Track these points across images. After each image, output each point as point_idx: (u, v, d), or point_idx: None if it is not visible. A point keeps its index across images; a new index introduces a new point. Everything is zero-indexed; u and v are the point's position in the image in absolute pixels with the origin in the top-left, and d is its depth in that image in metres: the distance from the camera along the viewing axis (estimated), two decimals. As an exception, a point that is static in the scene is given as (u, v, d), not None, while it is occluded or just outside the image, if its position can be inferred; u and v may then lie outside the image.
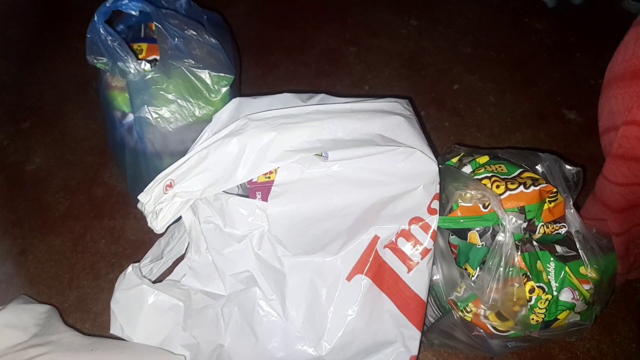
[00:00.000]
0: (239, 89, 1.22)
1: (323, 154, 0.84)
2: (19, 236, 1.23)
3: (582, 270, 0.86)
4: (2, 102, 1.52)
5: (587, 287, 0.86)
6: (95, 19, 0.90)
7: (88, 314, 1.10)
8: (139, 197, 0.82)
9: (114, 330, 0.93)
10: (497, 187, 0.87)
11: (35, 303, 1.03)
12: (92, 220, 1.25)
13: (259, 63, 1.56)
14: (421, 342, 0.89)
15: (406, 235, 0.87)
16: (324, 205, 0.84)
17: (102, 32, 0.90)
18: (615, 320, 1.06)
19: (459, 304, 0.86)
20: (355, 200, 0.84)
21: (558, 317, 0.85)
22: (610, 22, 1.58)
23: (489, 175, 0.89)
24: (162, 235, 1.05)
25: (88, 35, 0.93)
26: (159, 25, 0.92)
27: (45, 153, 1.39)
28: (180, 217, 0.89)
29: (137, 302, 0.91)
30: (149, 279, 0.96)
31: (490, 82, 1.49)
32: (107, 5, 0.92)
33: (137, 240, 1.20)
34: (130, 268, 0.94)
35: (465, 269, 0.87)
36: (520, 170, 0.91)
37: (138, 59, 1.00)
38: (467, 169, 0.93)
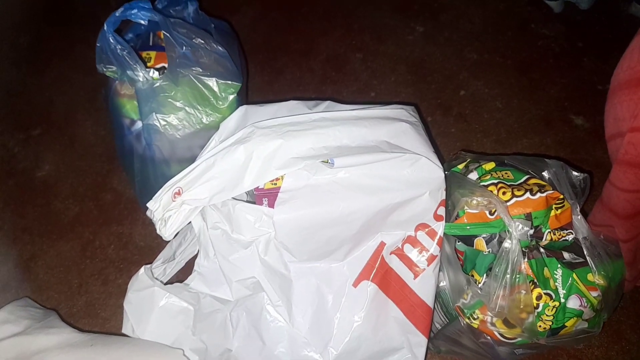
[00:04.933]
0: (246, 96, 1.23)
1: (329, 161, 0.85)
2: (29, 242, 1.25)
3: (589, 277, 0.86)
4: (13, 109, 1.54)
5: (594, 294, 0.86)
6: (105, 28, 0.92)
7: (96, 319, 1.11)
8: (148, 204, 0.83)
9: (125, 330, 0.94)
10: (504, 193, 0.87)
11: (35, 305, 1.05)
12: (100, 226, 1.26)
13: (266, 69, 1.57)
14: (428, 348, 0.89)
15: (412, 241, 0.87)
16: (330, 211, 0.84)
17: (111, 41, 0.92)
18: (623, 327, 1.05)
19: (465, 310, 0.86)
20: (361, 207, 0.84)
21: (565, 324, 0.85)
22: (617, 27, 1.57)
23: (495, 181, 0.89)
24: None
25: (98, 44, 0.94)
26: (168, 34, 0.93)
27: (54, 160, 1.41)
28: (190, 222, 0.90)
29: (149, 303, 0.92)
30: (161, 281, 0.97)
31: (496, 88, 1.49)
32: (117, 14, 0.93)
33: (145, 246, 1.21)
34: (142, 269, 0.95)
35: (472, 276, 0.87)
36: (527, 176, 0.91)
37: (147, 67, 1.01)
38: (473, 176, 0.93)
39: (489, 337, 0.87)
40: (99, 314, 1.11)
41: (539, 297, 0.83)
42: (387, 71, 1.55)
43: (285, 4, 1.76)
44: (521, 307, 0.81)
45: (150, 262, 1.04)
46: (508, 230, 0.83)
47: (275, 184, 0.85)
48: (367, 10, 1.72)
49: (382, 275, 0.86)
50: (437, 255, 0.86)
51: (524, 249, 0.85)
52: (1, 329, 0.88)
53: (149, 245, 1.21)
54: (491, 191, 0.87)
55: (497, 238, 0.87)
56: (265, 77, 1.56)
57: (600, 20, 1.61)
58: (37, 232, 1.27)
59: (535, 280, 0.84)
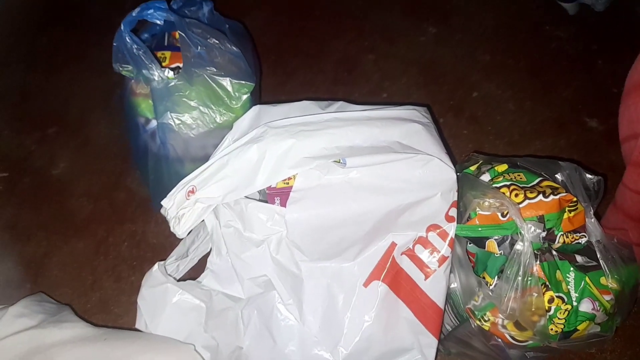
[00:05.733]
0: (259, 96, 1.24)
1: (341, 161, 0.85)
2: (44, 239, 1.27)
3: (602, 280, 0.85)
4: (30, 109, 1.56)
5: (607, 297, 0.85)
6: (122, 28, 0.93)
7: (110, 315, 1.12)
8: (162, 202, 0.85)
9: (139, 325, 0.95)
10: (516, 195, 0.87)
11: (50, 300, 1.06)
12: (114, 224, 1.27)
13: (277, 71, 1.58)
14: (438, 350, 0.89)
15: (423, 242, 0.87)
16: (341, 211, 0.85)
17: (128, 40, 0.93)
18: (638, 332, 1.04)
19: (476, 312, 0.85)
20: (373, 207, 0.85)
21: (578, 327, 0.84)
22: (632, 29, 1.56)
23: (508, 183, 0.89)
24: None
25: (114, 44, 0.96)
26: (183, 34, 0.94)
27: (69, 158, 1.43)
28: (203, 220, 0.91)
29: (162, 300, 0.93)
30: (174, 277, 0.99)
31: (509, 90, 1.48)
32: (133, 14, 0.95)
33: (158, 244, 1.22)
34: (156, 266, 0.96)
35: (483, 277, 0.87)
36: (540, 178, 0.91)
37: (162, 66, 1.03)
38: (486, 177, 0.93)
39: (500, 340, 0.86)
40: (112, 310, 1.13)
41: (550, 300, 0.82)
42: (399, 73, 1.55)
43: (296, 7, 1.76)
44: (533, 310, 0.81)
45: (163, 260, 1.05)
46: (520, 233, 0.82)
47: (287, 183, 0.86)
48: (378, 13, 1.72)
49: (392, 275, 0.86)
50: (448, 257, 0.86)
51: (536, 252, 0.84)
52: (16, 322, 0.89)
53: (162, 243, 1.22)
54: (503, 193, 0.87)
55: (509, 240, 0.86)
56: (276, 79, 1.57)
57: (616, 22, 1.60)
58: (52, 229, 1.29)
59: (547, 283, 0.83)
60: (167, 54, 1.08)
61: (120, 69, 0.98)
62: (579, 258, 0.88)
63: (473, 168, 0.97)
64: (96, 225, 1.28)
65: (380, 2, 1.75)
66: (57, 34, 1.78)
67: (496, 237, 0.87)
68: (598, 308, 0.84)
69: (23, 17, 1.87)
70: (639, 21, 1.58)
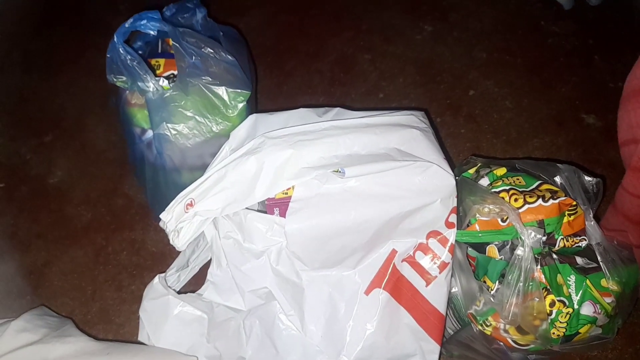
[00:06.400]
0: (255, 103, 1.23)
1: (340, 170, 0.85)
2: (43, 248, 1.26)
3: (603, 282, 0.85)
4: (25, 115, 1.55)
5: (608, 300, 0.85)
6: (115, 39, 0.92)
7: (111, 326, 1.12)
8: (161, 216, 0.84)
9: (141, 338, 0.96)
10: (516, 200, 0.86)
11: (51, 314, 1.06)
12: (113, 232, 1.27)
13: (274, 72, 1.57)
14: (440, 353, 0.89)
15: (424, 249, 0.87)
16: (341, 220, 0.84)
17: (121, 52, 0.92)
18: (638, 330, 1.04)
19: (478, 317, 0.86)
20: (372, 215, 0.84)
21: (579, 330, 0.84)
22: (628, 24, 1.55)
23: (507, 188, 0.89)
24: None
25: (108, 55, 0.95)
26: (177, 45, 0.94)
27: (67, 165, 1.42)
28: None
29: (163, 312, 0.93)
30: (176, 288, 0.99)
31: (506, 87, 1.47)
32: (126, 25, 0.94)
33: (157, 252, 1.22)
34: (156, 279, 0.96)
35: (484, 282, 0.87)
36: (539, 182, 0.90)
37: (156, 74, 1.02)
38: (485, 182, 0.93)
39: (502, 344, 0.87)
40: (113, 320, 1.12)
41: (552, 304, 0.83)
42: (396, 72, 1.54)
43: (295, 6, 1.75)
44: (534, 314, 0.81)
45: (163, 268, 1.05)
46: (520, 238, 0.82)
47: (286, 193, 0.85)
48: (376, 11, 1.71)
49: (394, 282, 0.86)
50: (449, 263, 0.86)
51: (536, 256, 0.84)
52: (19, 337, 0.89)
53: (161, 251, 1.22)
54: (503, 198, 0.87)
55: (509, 245, 0.86)
56: (274, 80, 1.56)
57: (612, 16, 1.59)
58: (51, 238, 1.28)
59: (549, 287, 0.83)
60: (161, 61, 1.07)
61: (115, 80, 0.97)
62: (579, 259, 0.88)
63: (471, 171, 0.97)
64: (95, 233, 1.28)
65: (379, 1, 1.74)
66: (53, 37, 1.76)
67: (496, 243, 0.87)
68: (599, 311, 0.84)
69: (19, 20, 1.86)
70: (635, 14, 1.58)
